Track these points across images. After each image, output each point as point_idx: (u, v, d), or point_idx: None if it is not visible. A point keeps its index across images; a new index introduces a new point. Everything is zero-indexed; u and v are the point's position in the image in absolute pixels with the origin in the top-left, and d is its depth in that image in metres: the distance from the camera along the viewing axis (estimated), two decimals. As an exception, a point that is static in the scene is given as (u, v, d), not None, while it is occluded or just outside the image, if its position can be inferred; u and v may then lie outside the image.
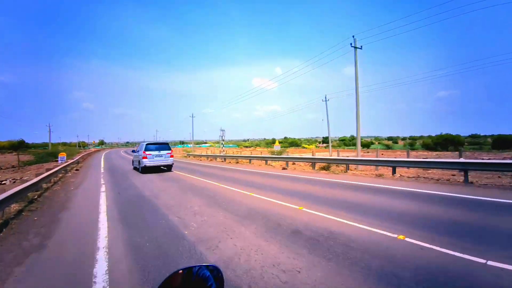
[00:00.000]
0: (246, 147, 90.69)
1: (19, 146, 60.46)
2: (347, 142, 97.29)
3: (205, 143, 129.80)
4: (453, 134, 54.64)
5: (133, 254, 3.53)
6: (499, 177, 9.27)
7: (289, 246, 3.68)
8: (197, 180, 11.05)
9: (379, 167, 13.03)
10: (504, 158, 18.12)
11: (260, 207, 6.08)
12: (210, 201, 6.73)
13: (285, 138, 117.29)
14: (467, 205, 5.85)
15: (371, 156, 22.97)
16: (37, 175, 8.79)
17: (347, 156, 17.17)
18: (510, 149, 35.62)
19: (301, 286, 2.67)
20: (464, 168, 8.68)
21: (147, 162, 13.84)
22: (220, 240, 3.95)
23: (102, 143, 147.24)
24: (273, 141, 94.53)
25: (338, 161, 14.10)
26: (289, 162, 17.29)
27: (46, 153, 28.91)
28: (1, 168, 22.97)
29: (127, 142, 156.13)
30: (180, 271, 0.88)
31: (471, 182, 8.40)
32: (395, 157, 17.94)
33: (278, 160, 18.30)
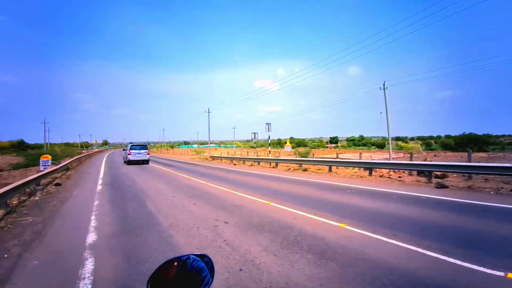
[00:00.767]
0: (252, 147, 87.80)
1: (19, 147, 57.98)
2: (356, 143, 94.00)
3: (210, 143, 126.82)
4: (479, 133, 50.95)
5: None
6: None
7: None
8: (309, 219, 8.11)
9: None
10: None
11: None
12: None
13: (291, 138, 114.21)
14: None
15: (415, 159, 19.44)
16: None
17: (396, 159, 14.11)
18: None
19: None
20: None
21: (130, 157, 19.69)
22: None
23: (105, 143, 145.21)
24: (278, 142, 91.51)
25: (411, 166, 10.50)
26: (339, 166, 13.70)
27: (39, 154, 25.50)
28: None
29: (131, 143, 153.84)
30: (175, 262, 0.86)
31: None
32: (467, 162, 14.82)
33: (338, 165, 13.83)
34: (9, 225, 4.91)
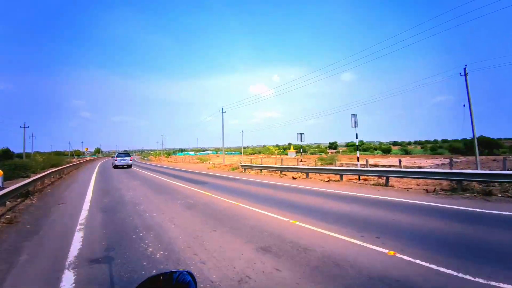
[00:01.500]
0: (250, 154, 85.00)
1: (4, 156, 54.13)
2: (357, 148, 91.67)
3: (205, 150, 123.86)
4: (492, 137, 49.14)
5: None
6: None
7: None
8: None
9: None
10: None
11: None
12: None
13: (289, 144, 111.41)
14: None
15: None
16: None
17: (428, 166, 11.61)
18: None
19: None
20: None
21: (116, 162, 26.25)
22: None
23: (98, 151, 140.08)
24: (277, 147, 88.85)
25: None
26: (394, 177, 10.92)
27: (15, 165, 18.00)
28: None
29: (125, 150, 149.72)
30: (161, 277, 0.86)
31: None
32: None
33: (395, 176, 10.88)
34: None
